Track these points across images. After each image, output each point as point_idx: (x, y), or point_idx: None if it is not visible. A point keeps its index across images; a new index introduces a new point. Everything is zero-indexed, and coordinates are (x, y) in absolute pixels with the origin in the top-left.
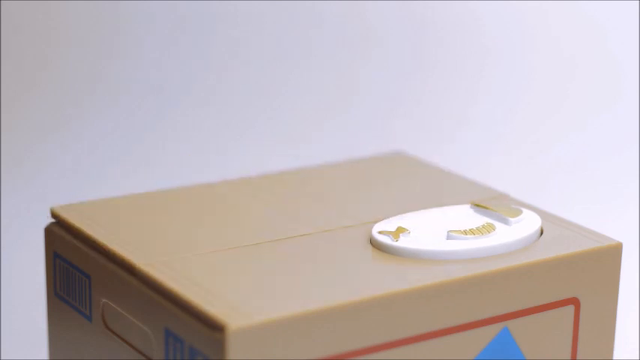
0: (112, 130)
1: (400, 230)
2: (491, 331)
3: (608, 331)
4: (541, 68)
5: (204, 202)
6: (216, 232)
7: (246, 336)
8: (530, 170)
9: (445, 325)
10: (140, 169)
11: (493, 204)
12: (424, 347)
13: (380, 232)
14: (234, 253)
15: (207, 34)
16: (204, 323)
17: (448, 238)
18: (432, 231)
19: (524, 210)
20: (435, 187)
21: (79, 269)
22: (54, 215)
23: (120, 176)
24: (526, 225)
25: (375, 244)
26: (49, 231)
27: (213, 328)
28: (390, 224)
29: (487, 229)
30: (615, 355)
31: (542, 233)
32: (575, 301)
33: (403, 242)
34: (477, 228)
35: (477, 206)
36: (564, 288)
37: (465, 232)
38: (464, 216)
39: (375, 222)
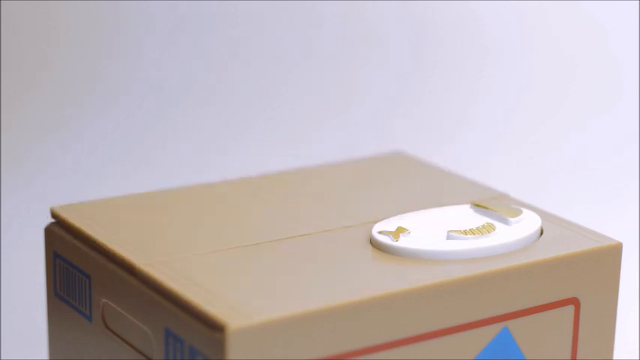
0: (112, 130)
1: (400, 230)
2: (491, 331)
3: (608, 331)
4: (541, 68)
5: (204, 202)
6: (216, 232)
7: (246, 336)
8: (530, 170)
9: (445, 325)
10: (140, 169)
11: (493, 204)
12: (424, 347)
13: (380, 232)
14: (234, 253)
15: (207, 34)
16: (204, 323)
17: (448, 238)
18: (432, 231)
19: (524, 210)
20: (435, 187)
21: (79, 269)
22: (54, 215)
23: (120, 176)
24: (526, 225)
25: (375, 244)
26: (49, 231)
27: (213, 328)
28: (390, 224)
29: (487, 229)
30: (615, 355)
31: (542, 233)
32: (575, 301)
33: (403, 242)
34: (477, 228)
35: (477, 206)
36: (564, 288)
37: (465, 232)
38: (464, 216)
39: (375, 222)
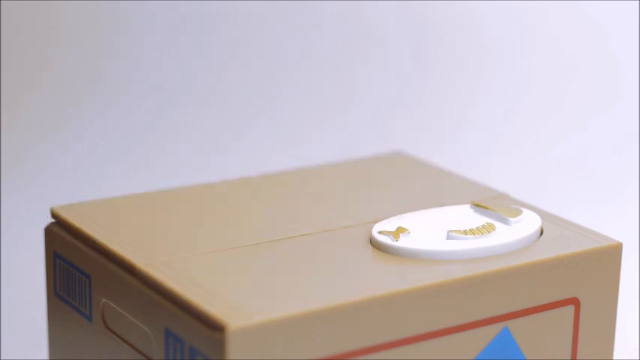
0: (112, 130)
1: (400, 230)
2: (491, 331)
3: (608, 331)
4: (541, 68)
5: (204, 202)
6: (216, 232)
7: (246, 336)
8: (530, 170)
9: (445, 325)
10: (140, 169)
11: (493, 204)
12: (424, 347)
13: (380, 232)
14: (234, 253)
15: (207, 34)
16: (204, 323)
17: (448, 238)
18: (432, 231)
19: (524, 210)
20: (435, 187)
21: (79, 269)
22: (54, 215)
23: (120, 176)
24: (526, 225)
25: (375, 244)
26: (49, 231)
27: (213, 328)
28: (390, 224)
29: (487, 229)
30: (615, 355)
31: (542, 233)
32: (575, 301)
33: (403, 242)
34: (477, 228)
35: (477, 206)
36: (564, 288)
37: (465, 232)
38: (464, 216)
39: (375, 222)
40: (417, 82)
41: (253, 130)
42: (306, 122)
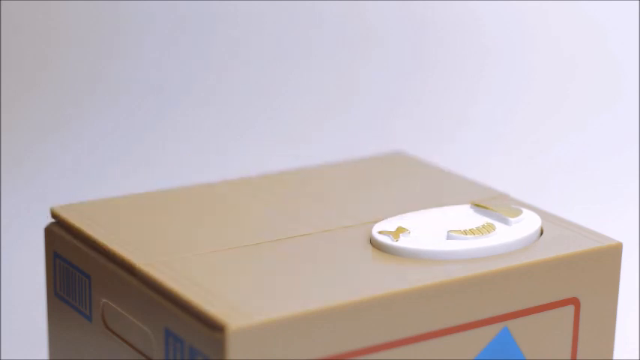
0: (112, 130)
1: (400, 230)
2: (491, 331)
3: (608, 331)
4: (541, 68)
5: (204, 202)
6: (216, 232)
7: (246, 336)
8: (530, 170)
9: (445, 325)
10: (140, 169)
11: (493, 204)
12: (424, 347)
13: (380, 232)
14: (234, 253)
15: (207, 34)
16: (204, 323)
17: (448, 238)
18: (432, 231)
19: (524, 210)
20: (435, 187)
21: (79, 269)
22: (54, 215)
23: (120, 176)
24: (526, 225)
25: (375, 244)
26: (49, 231)
27: (213, 328)
28: (390, 224)
29: (487, 229)
30: (615, 355)
31: (542, 233)
32: (575, 301)
33: (403, 242)
34: (477, 228)
35: (477, 206)
36: (564, 288)
37: (465, 232)
38: (464, 216)
39: (375, 222)
40: (417, 82)
41: (253, 130)
42: (306, 122)
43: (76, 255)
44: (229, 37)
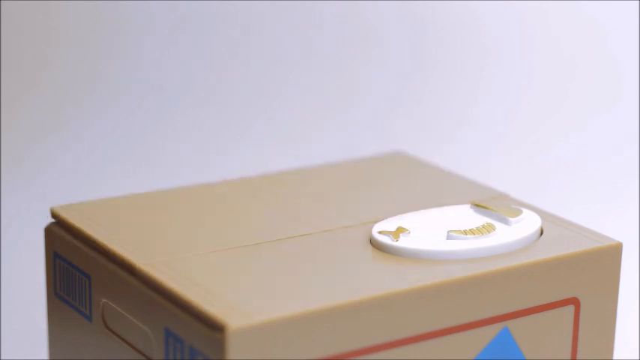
0: (112, 130)
1: (400, 230)
2: (491, 331)
3: (608, 331)
4: (541, 68)
5: (204, 202)
6: (216, 232)
7: (246, 336)
8: (530, 170)
9: (445, 325)
10: (140, 169)
11: (493, 204)
12: (424, 347)
13: (380, 232)
14: (234, 253)
15: (207, 34)
16: (204, 323)
17: (448, 238)
18: (432, 231)
19: (524, 210)
20: (435, 187)
21: (79, 269)
22: (54, 215)
23: (120, 176)
24: (526, 225)
25: (375, 244)
26: (49, 231)
27: (213, 328)
28: (390, 224)
29: (487, 229)
30: (615, 355)
31: (542, 233)
32: (575, 301)
33: (403, 242)
34: (477, 228)
35: (477, 206)
36: (564, 288)
37: (465, 232)
38: (464, 216)
39: (375, 222)
40: (417, 82)
41: (253, 130)
42: (306, 122)
43: (76, 255)
44: (229, 37)
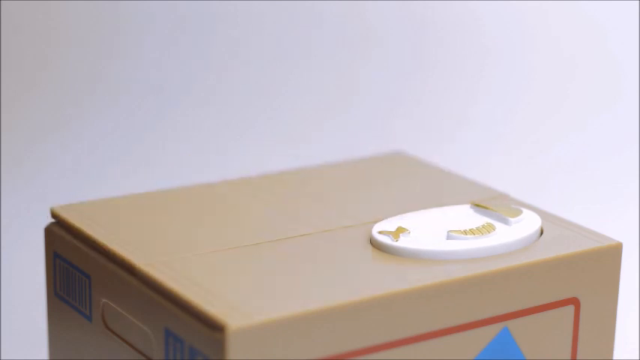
0: (112, 130)
1: (400, 230)
2: (491, 331)
3: (608, 331)
4: (541, 68)
5: (204, 202)
6: (216, 232)
7: (246, 336)
8: (530, 170)
9: (445, 325)
10: (140, 169)
11: (493, 204)
12: (424, 347)
13: (380, 232)
14: (234, 253)
15: (207, 34)
16: (204, 323)
17: (448, 238)
18: (432, 231)
19: (524, 210)
20: (435, 187)
21: (79, 269)
22: (54, 215)
23: (120, 176)
24: (526, 225)
25: (375, 244)
26: (49, 231)
27: (213, 328)
28: (390, 224)
29: (487, 229)
30: (615, 355)
31: (542, 233)
32: (575, 301)
33: (403, 242)
34: (477, 228)
35: (477, 206)
36: (564, 288)
37: (465, 232)
38: (464, 216)
39: (375, 222)
40: (417, 82)
41: (253, 130)
42: (306, 122)
43: (76, 255)
44: (229, 37)
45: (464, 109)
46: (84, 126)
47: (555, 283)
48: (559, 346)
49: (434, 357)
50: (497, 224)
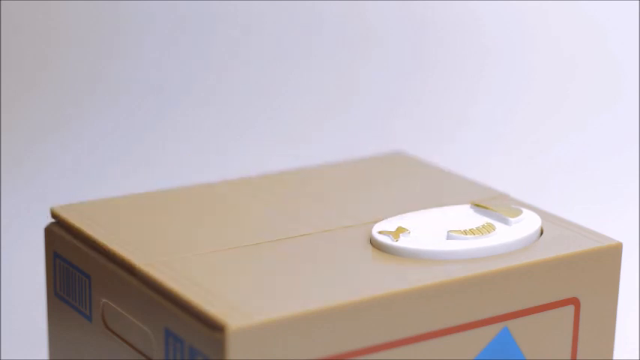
0: (112, 130)
1: (400, 230)
2: (491, 331)
3: (608, 331)
4: (541, 68)
5: (204, 202)
6: (216, 232)
7: (246, 336)
8: (530, 170)
9: (445, 325)
10: (140, 169)
11: (493, 204)
12: (424, 347)
13: (380, 232)
14: (234, 253)
15: (207, 34)
16: (204, 323)
17: (448, 238)
18: (432, 231)
19: (524, 210)
20: (435, 187)
21: (79, 269)
22: (54, 215)
23: (120, 176)
24: (526, 225)
25: (375, 244)
26: (49, 231)
27: (213, 328)
28: (390, 224)
29: (487, 229)
30: (615, 355)
31: (542, 233)
32: (575, 301)
33: (403, 242)
34: (477, 228)
35: (477, 206)
36: (564, 288)
37: (465, 232)
38: (464, 216)
39: (375, 222)
40: (417, 82)
41: (253, 130)
42: (306, 122)
43: (76, 255)
44: (229, 37)
45: (464, 109)
46: (84, 126)
47: (555, 283)
48: (559, 346)
49: (434, 357)
50: (497, 224)
